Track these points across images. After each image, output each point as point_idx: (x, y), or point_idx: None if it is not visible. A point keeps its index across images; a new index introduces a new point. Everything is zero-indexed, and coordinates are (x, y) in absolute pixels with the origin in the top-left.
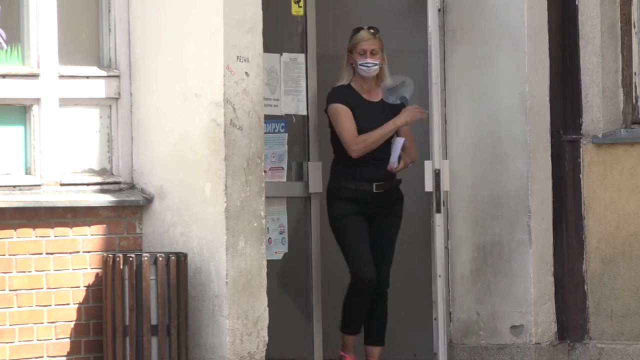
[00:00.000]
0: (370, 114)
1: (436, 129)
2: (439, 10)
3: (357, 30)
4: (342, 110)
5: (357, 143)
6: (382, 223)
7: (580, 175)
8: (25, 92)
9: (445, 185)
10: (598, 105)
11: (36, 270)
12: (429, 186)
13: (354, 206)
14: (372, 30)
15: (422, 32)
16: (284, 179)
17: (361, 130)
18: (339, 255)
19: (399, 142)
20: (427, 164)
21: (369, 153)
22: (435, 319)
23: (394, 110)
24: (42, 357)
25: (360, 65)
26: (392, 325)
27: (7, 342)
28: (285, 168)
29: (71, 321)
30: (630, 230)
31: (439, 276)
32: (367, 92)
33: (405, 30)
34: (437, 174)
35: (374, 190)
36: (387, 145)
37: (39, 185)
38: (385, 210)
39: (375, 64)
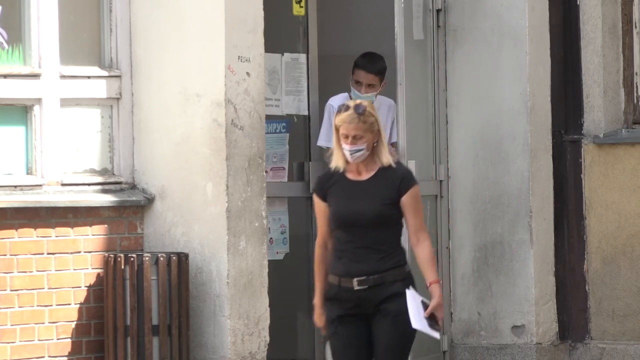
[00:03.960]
0: (344, 195)
1: (402, 132)
2: (439, 10)
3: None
4: (315, 204)
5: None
6: (375, 329)
7: (582, 175)
8: (26, 92)
9: None
10: (599, 105)
11: (37, 270)
12: None
13: (337, 308)
14: (359, 111)
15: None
16: (285, 179)
17: (331, 215)
18: None
19: (415, 299)
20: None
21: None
22: None
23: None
24: (43, 357)
25: (343, 147)
26: None
27: (8, 342)
28: (287, 168)
29: (72, 321)
30: (632, 230)
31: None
32: (356, 169)
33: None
34: None
35: (356, 287)
36: (376, 231)
37: (40, 185)
38: (376, 311)
39: (360, 150)
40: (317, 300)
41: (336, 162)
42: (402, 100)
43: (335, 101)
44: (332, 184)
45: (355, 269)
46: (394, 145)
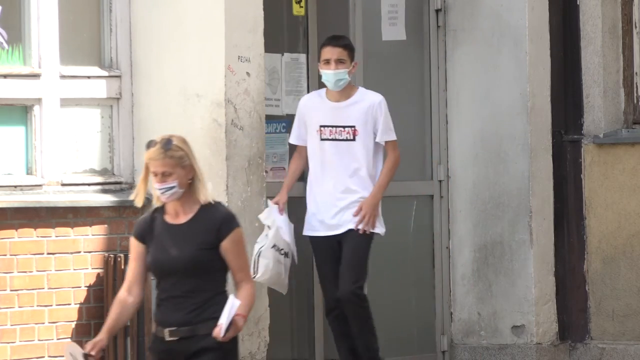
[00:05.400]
0: (161, 240)
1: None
2: (439, 10)
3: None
4: (130, 246)
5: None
6: None
7: (582, 176)
8: (26, 92)
9: None
10: (599, 106)
11: (37, 271)
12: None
13: (154, 357)
14: (166, 145)
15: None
16: None
17: (148, 262)
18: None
19: (233, 305)
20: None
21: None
22: None
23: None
24: (43, 357)
25: (154, 185)
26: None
27: (8, 342)
28: (287, 168)
29: (72, 321)
30: (632, 230)
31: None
32: (174, 210)
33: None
34: None
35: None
36: (194, 279)
37: (40, 185)
38: None
39: (170, 188)
40: (100, 334)
41: (140, 200)
42: None
43: (306, 98)
44: (151, 228)
45: (169, 318)
46: (388, 144)
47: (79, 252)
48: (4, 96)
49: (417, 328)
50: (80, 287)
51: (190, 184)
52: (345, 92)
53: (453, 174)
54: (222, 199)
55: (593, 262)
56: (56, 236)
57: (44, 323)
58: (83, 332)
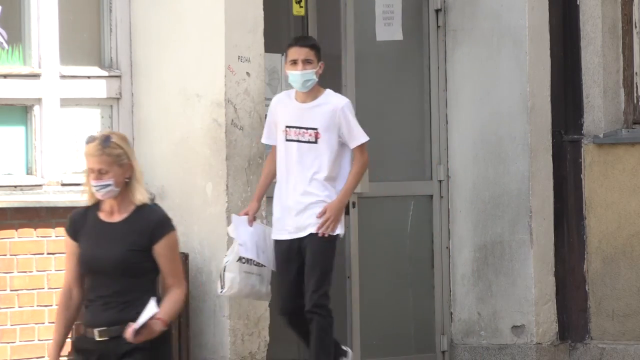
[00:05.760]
0: (93, 237)
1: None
2: (439, 10)
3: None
4: (65, 244)
5: None
6: None
7: (582, 175)
8: (26, 92)
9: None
10: (599, 106)
11: (37, 270)
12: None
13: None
14: (104, 142)
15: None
16: None
17: (78, 259)
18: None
19: (151, 308)
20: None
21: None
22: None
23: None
24: (43, 357)
25: (91, 182)
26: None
27: (8, 343)
28: None
29: None
30: (632, 230)
31: (348, 277)
32: (109, 208)
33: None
34: None
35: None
36: (124, 279)
37: (40, 185)
38: None
39: (106, 186)
40: (50, 352)
41: (90, 198)
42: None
43: (276, 98)
44: (83, 223)
45: (99, 318)
46: (355, 148)
47: None
48: (4, 96)
49: (417, 328)
50: None
51: (127, 183)
52: (312, 93)
53: (453, 174)
54: (222, 199)
55: (593, 262)
56: (56, 236)
57: (44, 323)
58: None
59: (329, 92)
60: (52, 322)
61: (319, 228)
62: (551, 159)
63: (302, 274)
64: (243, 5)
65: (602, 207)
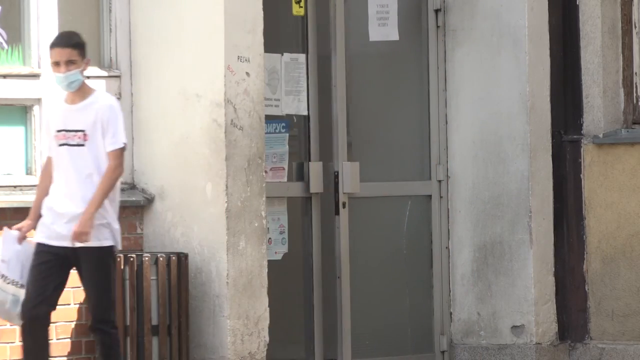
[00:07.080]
0: None
1: (334, 130)
2: (438, 10)
3: None
4: None
5: None
6: None
7: (581, 176)
8: (26, 92)
9: (346, 187)
10: (599, 106)
11: None
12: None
13: None
14: None
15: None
16: (285, 179)
17: None
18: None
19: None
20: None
21: None
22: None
23: None
24: None
25: None
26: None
27: (8, 343)
28: (286, 168)
29: (72, 321)
30: (631, 231)
31: (338, 277)
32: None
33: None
34: (335, 176)
35: None
36: None
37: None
38: None
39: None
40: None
41: None
42: (338, 99)
43: (51, 101)
44: None
45: None
46: (109, 153)
47: None
48: (4, 96)
49: (416, 328)
50: (80, 287)
51: None
52: (80, 93)
53: (452, 174)
54: (222, 199)
55: (593, 262)
56: None
57: None
58: (83, 332)
59: (98, 92)
60: (52, 322)
61: (72, 240)
62: (551, 159)
63: (61, 282)
64: (243, 6)
65: (602, 207)
